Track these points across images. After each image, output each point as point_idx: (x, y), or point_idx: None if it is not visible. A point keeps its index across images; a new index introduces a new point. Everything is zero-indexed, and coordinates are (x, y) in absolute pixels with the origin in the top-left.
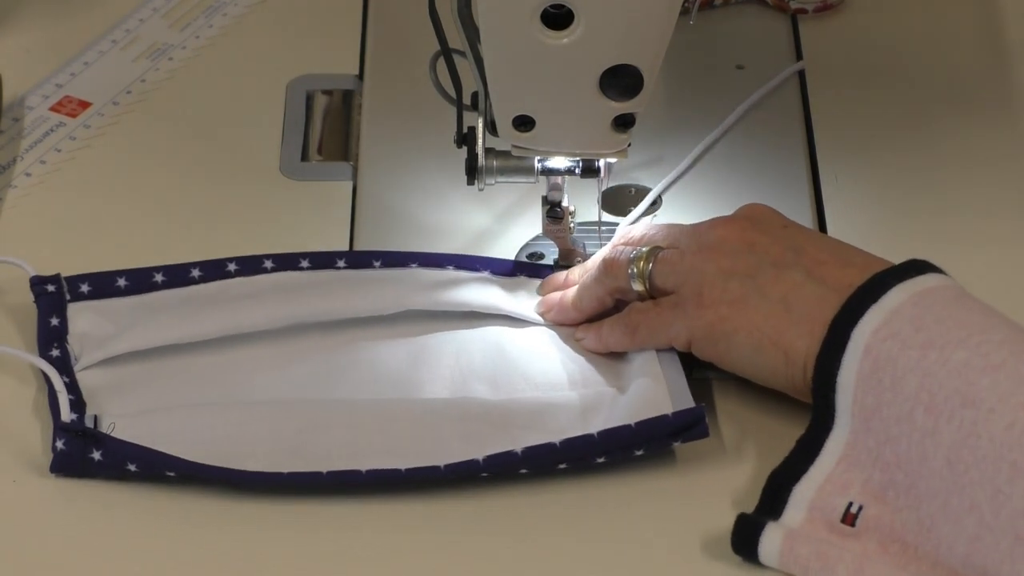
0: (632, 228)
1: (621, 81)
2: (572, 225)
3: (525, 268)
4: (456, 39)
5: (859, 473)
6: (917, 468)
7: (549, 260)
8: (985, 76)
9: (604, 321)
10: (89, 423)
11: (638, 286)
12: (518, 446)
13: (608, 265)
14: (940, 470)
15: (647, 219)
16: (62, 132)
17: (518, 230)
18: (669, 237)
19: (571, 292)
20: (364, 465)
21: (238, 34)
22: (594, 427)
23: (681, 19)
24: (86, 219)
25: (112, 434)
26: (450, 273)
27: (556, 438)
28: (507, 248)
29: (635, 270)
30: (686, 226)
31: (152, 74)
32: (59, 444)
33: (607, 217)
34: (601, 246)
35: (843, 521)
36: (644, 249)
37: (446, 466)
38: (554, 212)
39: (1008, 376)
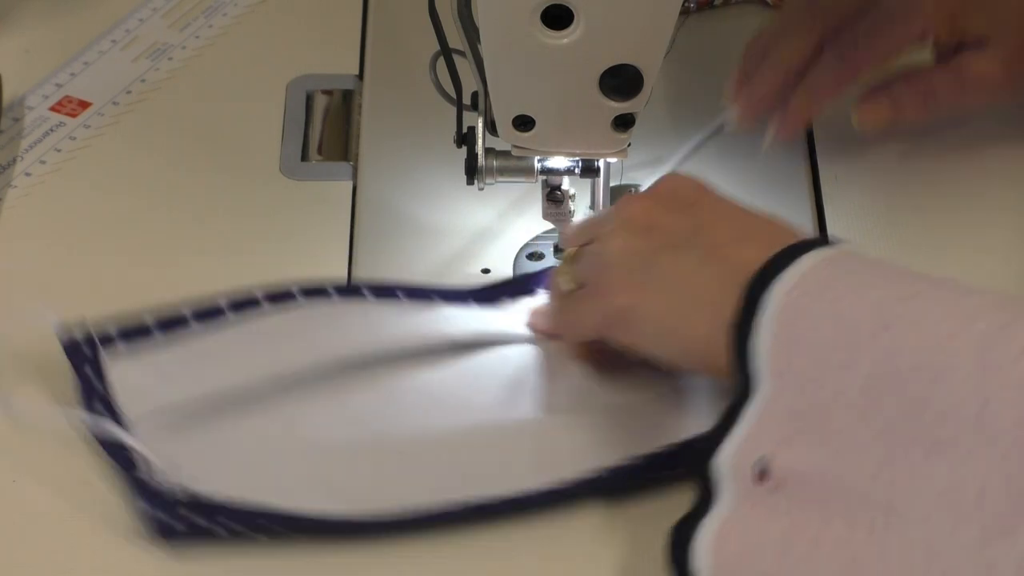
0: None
1: (621, 81)
2: (572, 209)
3: (506, 289)
4: (456, 39)
5: (770, 431)
6: (829, 406)
7: (549, 260)
8: None
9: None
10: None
11: (568, 286)
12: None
13: (553, 279)
14: (854, 401)
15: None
16: (62, 132)
17: (518, 230)
18: (590, 229)
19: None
20: (501, 488)
21: (238, 34)
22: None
23: (682, 19)
24: (86, 219)
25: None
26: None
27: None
28: (507, 248)
29: (564, 275)
30: (600, 214)
31: (152, 74)
32: (161, 514)
33: None
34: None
35: (758, 480)
36: (566, 258)
37: (573, 482)
38: (554, 195)
39: (926, 300)
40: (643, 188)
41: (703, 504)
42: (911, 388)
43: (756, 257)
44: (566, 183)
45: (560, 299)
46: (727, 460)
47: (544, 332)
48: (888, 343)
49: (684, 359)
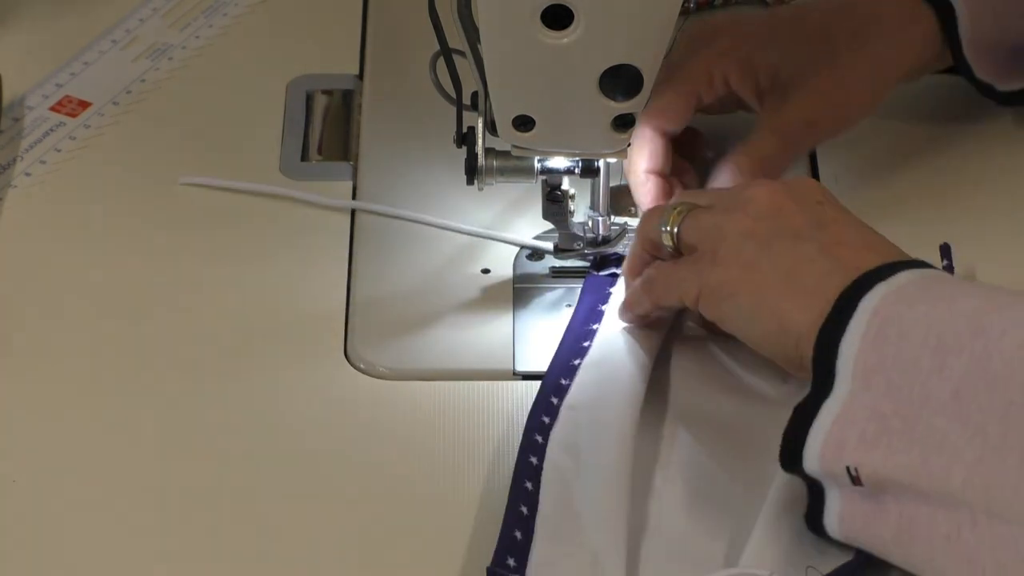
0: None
1: (621, 81)
2: (572, 209)
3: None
4: (456, 39)
5: (853, 429)
6: (917, 411)
7: (550, 260)
8: None
9: (627, 293)
10: None
11: (667, 240)
12: None
13: (645, 220)
14: (945, 405)
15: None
16: (62, 132)
17: (518, 230)
18: (709, 196)
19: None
20: None
21: (238, 34)
22: None
23: (681, 19)
24: (86, 219)
25: None
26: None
27: None
28: (507, 248)
29: (666, 228)
30: (727, 187)
31: (152, 74)
32: None
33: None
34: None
35: (853, 483)
36: (673, 208)
37: None
38: (554, 195)
39: (1018, 310)
40: None
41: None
42: (1005, 393)
43: (869, 263)
44: (566, 183)
45: (666, 264)
46: (814, 461)
47: (630, 296)
48: (981, 349)
49: (768, 344)
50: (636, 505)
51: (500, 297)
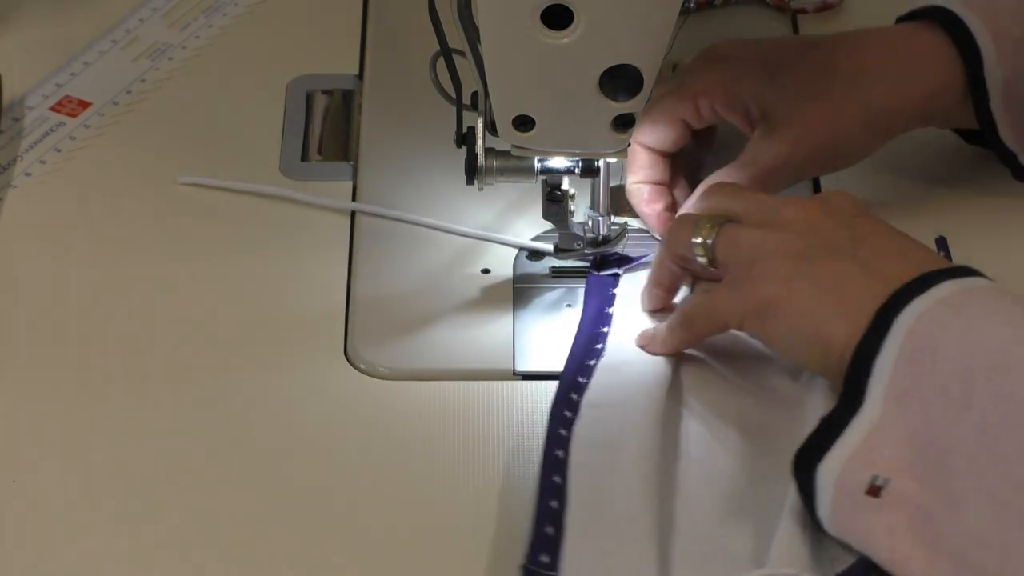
0: (713, 188)
1: (621, 81)
2: (572, 209)
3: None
4: (456, 39)
5: (886, 451)
6: (949, 443)
7: (550, 260)
8: None
9: (659, 326)
10: None
11: (700, 253)
12: None
13: (673, 231)
14: (971, 441)
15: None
16: (62, 132)
17: (518, 230)
18: (742, 206)
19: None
20: None
21: (238, 34)
22: None
23: (682, 19)
24: (86, 219)
25: None
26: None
27: None
28: (506, 248)
29: (698, 240)
30: (760, 198)
31: (152, 74)
32: None
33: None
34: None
35: (867, 493)
36: (706, 221)
37: None
38: (554, 195)
39: None
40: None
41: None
42: (1020, 441)
43: (908, 274)
44: (566, 183)
45: (699, 295)
46: (832, 471)
47: (654, 305)
48: (1001, 392)
49: (814, 361)
50: (663, 505)
51: (500, 297)
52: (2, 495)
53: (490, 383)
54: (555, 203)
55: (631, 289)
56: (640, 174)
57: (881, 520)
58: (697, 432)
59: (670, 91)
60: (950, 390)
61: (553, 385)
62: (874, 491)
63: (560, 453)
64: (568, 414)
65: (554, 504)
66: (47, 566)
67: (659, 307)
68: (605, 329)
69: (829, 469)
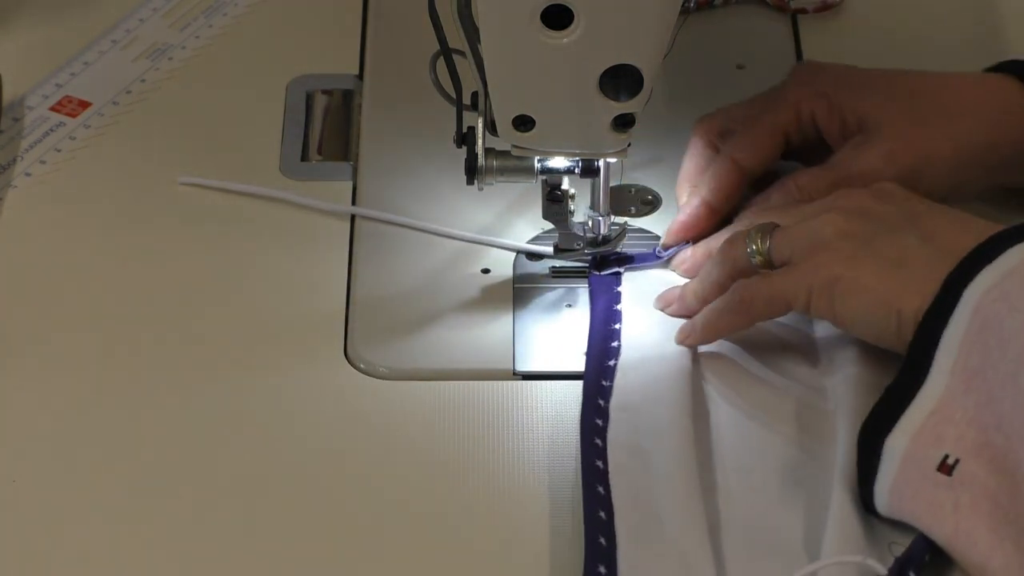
0: (757, 209)
1: (621, 81)
2: (572, 208)
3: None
4: (456, 39)
5: (952, 429)
6: (1020, 431)
7: (549, 260)
8: None
9: (702, 313)
10: None
11: (758, 262)
12: None
13: (727, 250)
14: None
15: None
16: (62, 132)
17: (517, 230)
18: (790, 210)
19: (690, 285)
20: None
21: (238, 34)
22: None
23: (681, 19)
24: (86, 219)
25: None
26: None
27: None
28: (507, 249)
29: (754, 248)
30: (805, 206)
31: (152, 74)
32: None
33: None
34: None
35: (939, 470)
36: (757, 230)
37: None
38: (554, 195)
39: None
40: (643, 188)
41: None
42: None
43: (973, 241)
44: (566, 183)
45: (758, 279)
46: (899, 445)
47: (687, 314)
48: None
49: (882, 335)
50: (706, 500)
51: (500, 297)
52: (2, 495)
53: (490, 383)
54: (555, 203)
55: (635, 287)
56: (713, 194)
57: (949, 497)
58: (725, 424)
59: (768, 105)
60: (1019, 379)
61: (553, 385)
62: (946, 468)
63: (600, 464)
64: (599, 422)
65: (602, 515)
66: (47, 566)
67: (686, 316)
68: (617, 326)
69: (897, 442)
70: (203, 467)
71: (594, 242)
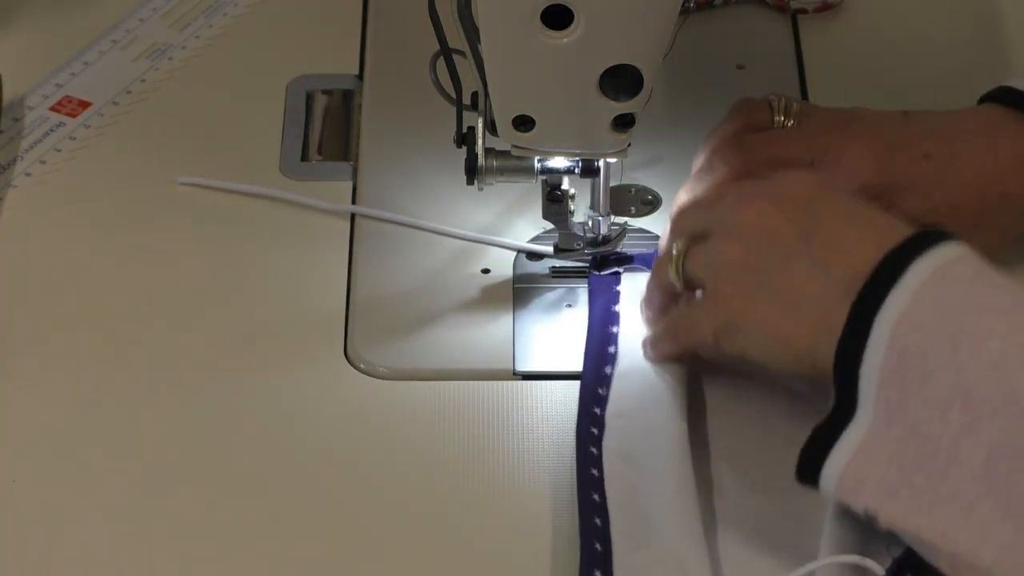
0: (690, 203)
1: (621, 81)
2: (572, 209)
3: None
4: (456, 39)
5: (874, 469)
6: (944, 469)
7: (550, 260)
8: (985, 76)
9: (651, 334)
10: None
11: (678, 283)
12: None
13: (655, 273)
14: (976, 471)
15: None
16: (62, 132)
17: (517, 230)
18: (710, 218)
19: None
20: None
21: (238, 34)
22: None
23: (681, 19)
24: (86, 219)
25: None
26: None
27: None
28: (507, 248)
29: (672, 267)
30: (722, 204)
31: (152, 74)
32: None
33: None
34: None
35: (867, 519)
36: (680, 245)
37: None
38: (554, 195)
39: None
40: (642, 188)
41: None
42: None
43: (868, 260)
44: (566, 183)
45: (681, 307)
46: (830, 487)
47: (649, 321)
48: (1015, 423)
49: (789, 369)
50: (702, 505)
51: (500, 297)
52: (2, 495)
53: (490, 383)
54: (555, 203)
55: (634, 287)
56: None
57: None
58: (721, 426)
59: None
60: (949, 415)
61: (553, 385)
62: (871, 518)
63: (595, 472)
64: (595, 431)
65: (597, 521)
66: (47, 566)
67: (650, 323)
68: (615, 329)
69: (828, 482)
70: (203, 467)
71: (594, 242)
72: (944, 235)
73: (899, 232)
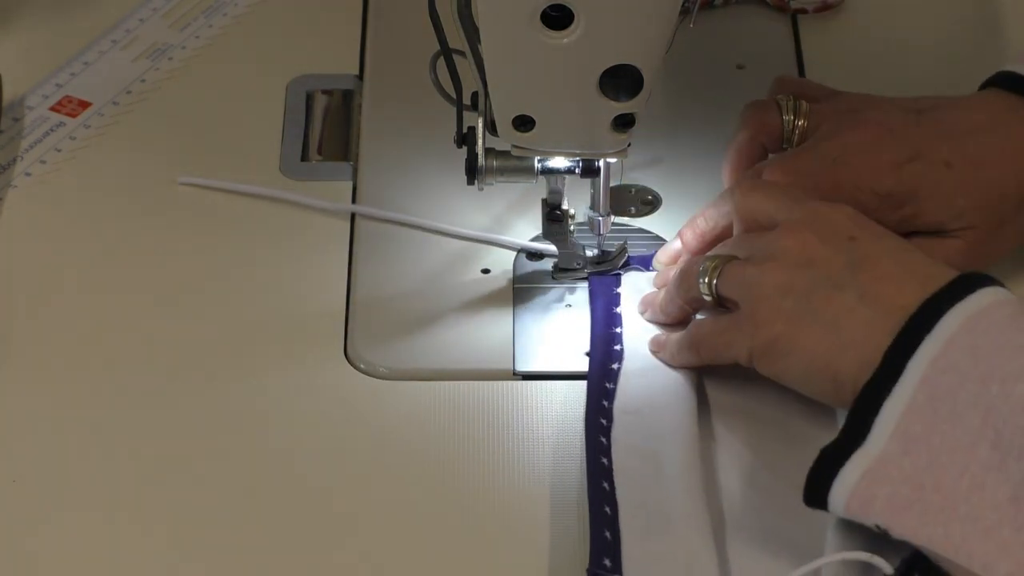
0: (711, 220)
1: (621, 81)
2: (572, 228)
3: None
4: (456, 39)
5: (884, 487)
6: (966, 493)
7: (550, 260)
8: (984, 76)
9: (672, 337)
10: None
11: (706, 294)
12: None
13: (682, 276)
14: (1002, 505)
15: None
16: (62, 132)
17: (518, 230)
18: (743, 242)
19: (659, 297)
20: None
21: (238, 34)
22: None
23: (681, 19)
24: (86, 219)
25: None
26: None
27: None
28: (506, 248)
29: (704, 281)
30: (758, 236)
31: (152, 74)
32: None
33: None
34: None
35: (877, 533)
36: (710, 262)
37: None
38: (554, 215)
39: None
40: (642, 188)
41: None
42: None
43: (912, 301)
44: (566, 203)
45: (709, 323)
46: (839, 507)
47: (657, 323)
48: None
49: (823, 397)
50: (710, 501)
51: (500, 297)
52: (2, 495)
53: (490, 383)
54: (555, 223)
55: (634, 288)
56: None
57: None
58: (730, 426)
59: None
60: (978, 451)
61: (554, 385)
62: (882, 533)
63: (605, 460)
64: (604, 421)
65: (607, 510)
66: (47, 566)
67: (658, 324)
68: (618, 329)
69: (837, 500)
70: (203, 467)
71: (594, 261)
72: (984, 279)
73: (941, 274)
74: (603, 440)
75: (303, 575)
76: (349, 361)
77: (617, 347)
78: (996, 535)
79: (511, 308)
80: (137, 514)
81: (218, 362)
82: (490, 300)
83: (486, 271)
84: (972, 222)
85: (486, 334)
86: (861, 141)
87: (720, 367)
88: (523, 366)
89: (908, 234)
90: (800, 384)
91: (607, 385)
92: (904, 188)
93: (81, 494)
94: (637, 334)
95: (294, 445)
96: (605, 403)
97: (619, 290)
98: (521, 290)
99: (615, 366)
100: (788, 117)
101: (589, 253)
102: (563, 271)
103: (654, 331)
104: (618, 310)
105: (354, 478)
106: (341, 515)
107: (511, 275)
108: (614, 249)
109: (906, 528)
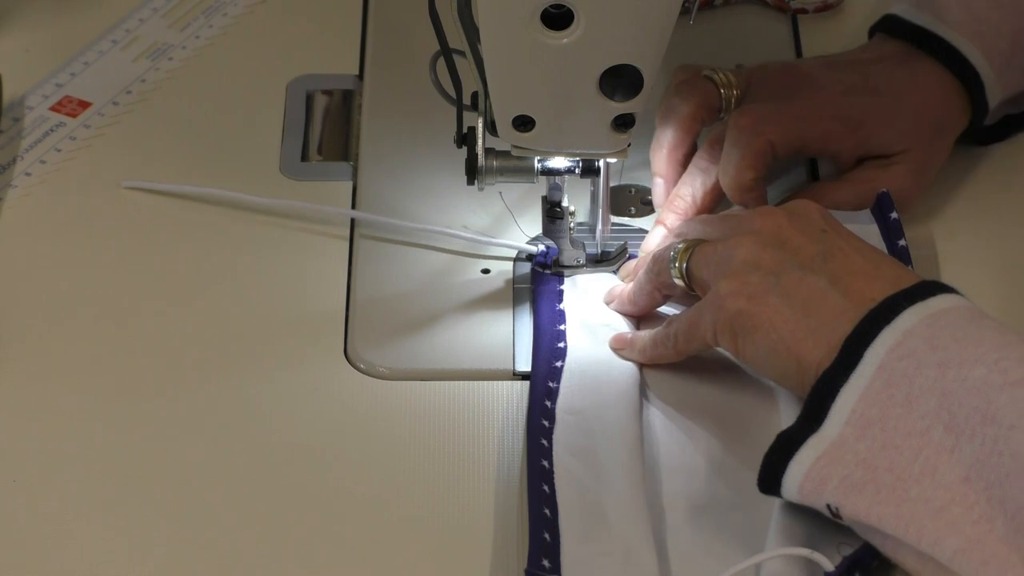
0: (687, 221)
1: (621, 81)
2: (572, 225)
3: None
4: (456, 39)
5: (838, 470)
6: (918, 475)
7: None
8: None
9: (643, 335)
10: None
11: (678, 279)
12: None
13: (654, 260)
14: (953, 485)
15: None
16: (62, 132)
17: (517, 231)
18: (713, 229)
19: (628, 287)
20: None
21: (238, 34)
22: None
23: (681, 19)
24: (86, 219)
25: None
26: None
27: None
28: (507, 248)
29: (675, 265)
30: (730, 217)
31: (152, 74)
32: None
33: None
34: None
35: (830, 514)
36: (681, 245)
37: None
38: (554, 212)
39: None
40: (642, 188)
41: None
42: (1014, 495)
43: (880, 296)
44: (565, 200)
45: (683, 313)
46: (793, 491)
47: (624, 312)
48: (991, 444)
49: (783, 378)
50: (651, 500)
51: (500, 297)
52: (2, 495)
53: (490, 383)
54: (555, 220)
55: (575, 286)
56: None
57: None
58: (668, 426)
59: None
60: (932, 434)
61: None
62: (834, 514)
63: (545, 463)
64: (545, 423)
65: (547, 512)
66: (47, 566)
67: (624, 314)
68: (562, 327)
69: (791, 482)
70: (203, 467)
71: (595, 259)
72: (949, 288)
73: (909, 277)
74: (544, 443)
75: (303, 574)
76: (349, 361)
77: (561, 344)
78: (946, 514)
79: (511, 308)
80: (137, 514)
81: (219, 362)
82: (490, 301)
83: (486, 271)
84: (909, 144)
85: (486, 334)
86: (802, 84)
87: (662, 364)
88: (523, 366)
89: (859, 160)
90: (762, 364)
91: (550, 384)
92: (854, 113)
93: (81, 494)
94: (581, 333)
95: (294, 445)
96: (548, 403)
97: (561, 287)
98: (521, 290)
99: (559, 363)
100: (724, 90)
101: (589, 252)
102: (564, 267)
103: (599, 329)
104: (561, 307)
105: (353, 478)
106: (340, 514)
107: (511, 276)
108: (614, 249)
109: (858, 508)
